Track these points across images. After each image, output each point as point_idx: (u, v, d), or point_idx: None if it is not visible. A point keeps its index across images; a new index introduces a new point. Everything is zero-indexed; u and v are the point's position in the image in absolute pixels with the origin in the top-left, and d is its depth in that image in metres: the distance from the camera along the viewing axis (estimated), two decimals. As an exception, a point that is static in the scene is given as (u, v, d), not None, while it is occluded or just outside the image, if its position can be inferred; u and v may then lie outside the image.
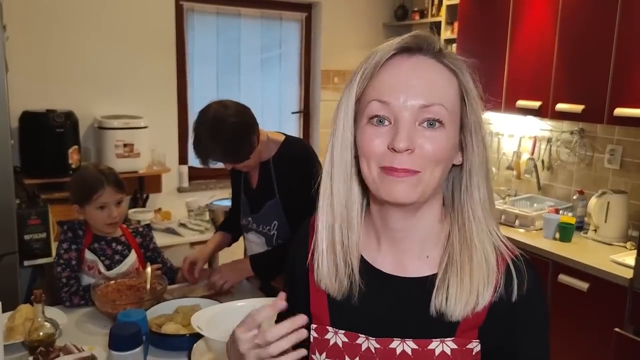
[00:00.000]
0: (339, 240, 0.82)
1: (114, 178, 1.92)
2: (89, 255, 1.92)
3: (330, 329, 0.85)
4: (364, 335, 0.82)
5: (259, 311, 0.81)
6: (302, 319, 0.79)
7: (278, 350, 0.78)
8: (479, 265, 0.77)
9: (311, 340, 0.86)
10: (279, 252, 1.92)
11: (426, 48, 0.77)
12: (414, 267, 0.82)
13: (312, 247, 0.87)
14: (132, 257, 1.98)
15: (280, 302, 0.82)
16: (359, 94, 0.78)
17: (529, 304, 0.79)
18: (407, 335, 0.80)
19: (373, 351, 0.81)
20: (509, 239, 0.83)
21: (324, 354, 0.85)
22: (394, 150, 0.74)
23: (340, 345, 0.83)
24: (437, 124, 0.75)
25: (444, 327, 0.78)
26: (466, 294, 0.76)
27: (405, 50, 0.77)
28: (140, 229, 2.08)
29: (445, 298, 0.77)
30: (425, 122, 0.75)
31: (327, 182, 0.83)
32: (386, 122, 0.76)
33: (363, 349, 0.82)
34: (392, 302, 0.82)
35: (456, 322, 0.77)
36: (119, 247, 1.98)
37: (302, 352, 0.81)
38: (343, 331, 0.84)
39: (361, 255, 0.85)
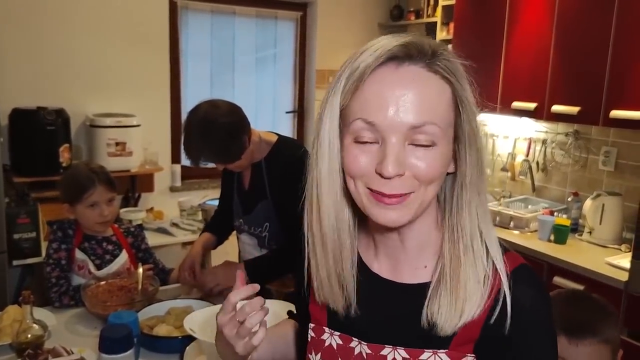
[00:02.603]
0: (331, 252, 0.78)
1: (105, 177, 1.90)
2: (79, 254, 1.89)
3: (326, 329, 0.84)
4: (357, 340, 0.81)
5: (234, 294, 0.85)
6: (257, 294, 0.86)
7: (255, 322, 0.82)
8: (468, 278, 0.73)
9: (309, 339, 0.86)
10: (274, 257, 1.90)
11: (416, 56, 0.70)
12: (411, 274, 0.80)
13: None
14: (123, 257, 1.95)
15: (244, 284, 0.87)
16: (343, 105, 0.72)
17: (529, 321, 0.74)
18: (399, 343, 0.77)
19: (364, 356, 0.80)
20: (506, 242, 0.80)
21: (319, 355, 0.84)
22: (381, 175, 0.69)
23: (335, 347, 0.83)
24: (428, 142, 0.69)
25: (437, 338, 0.74)
26: (454, 307, 0.72)
27: (393, 58, 0.69)
28: (132, 229, 2.06)
29: (437, 309, 0.73)
30: (416, 141, 0.69)
31: (314, 199, 0.77)
32: (372, 141, 0.70)
33: (355, 353, 0.80)
34: (386, 308, 0.80)
35: (450, 335, 0.73)
36: (110, 247, 1.95)
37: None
38: (338, 333, 0.83)
39: (360, 258, 0.83)
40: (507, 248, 0.79)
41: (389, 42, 0.70)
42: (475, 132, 0.72)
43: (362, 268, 0.82)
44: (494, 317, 0.73)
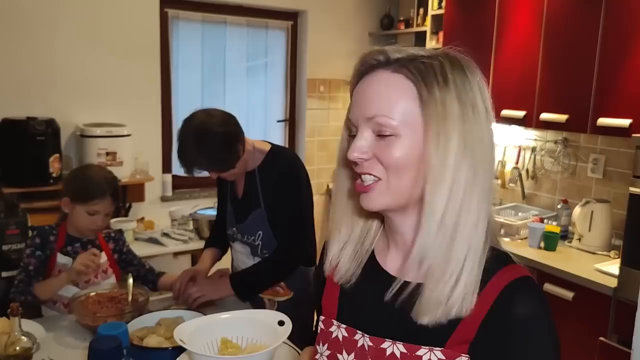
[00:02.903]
0: (353, 240, 0.89)
1: (116, 190, 1.91)
2: (61, 259, 1.87)
3: (334, 322, 0.89)
4: (361, 332, 0.85)
5: None
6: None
7: None
8: (451, 275, 0.75)
9: (318, 331, 0.92)
10: (259, 270, 1.90)
11: (382, 61, 0.80)
12: (415, 272, 0.82)
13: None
14: (102, 258, 1.94)
15: None
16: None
17: (527, 332, 0.76)
18: (398, 337, 0.81)
19: (366, 349, 0.83)
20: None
21: (325, 346, 0.89)
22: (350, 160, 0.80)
23: (340, 339, 0.87)
24: (388, 133, 0.77)
25: (433, 335, 0.77)
26: (443, 305, 0.75)
27: (365, 72, 0.81)
28: (113, 234, 2.06)
29: (426, 307, 0.76)
30: (380, 133, 0.78)
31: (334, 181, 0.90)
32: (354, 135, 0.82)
33: (358, 345, 0.85)
34: (390, 304, 0.83)
35: (447, 333, 0.77)
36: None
37: None
38: (345, 326, 0.87)
39: (373, 255, 0.89)
40: (511, 258, 0.82)
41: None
42: (443, 129, 0.75)
43: (374, 265, 0.88)
44: (491, 322, 0.75)
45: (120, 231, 2.12)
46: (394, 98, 0.77)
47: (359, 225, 0.89)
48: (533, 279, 0.80)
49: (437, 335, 0.77)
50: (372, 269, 0.88)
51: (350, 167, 0.83)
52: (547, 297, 0.80)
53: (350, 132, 0.83)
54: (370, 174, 0.79)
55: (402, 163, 0.77)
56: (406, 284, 0.82)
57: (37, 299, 1.77)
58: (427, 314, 0.76)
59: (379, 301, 0.84)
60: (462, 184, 0.76)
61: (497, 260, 0.79)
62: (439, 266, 0.76)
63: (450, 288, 0.75)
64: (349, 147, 0.80)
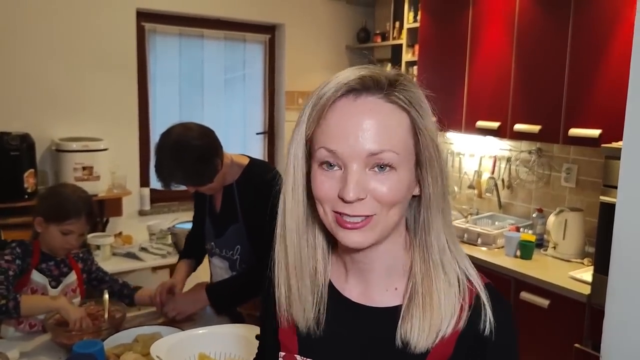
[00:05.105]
0: (293, 269, 0.81)
1: (90, 209, 1.90)
2: (37, 277, 1.84)
3: (298, 357, 0.83)
4: None
5: None
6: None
7: None
8: (441, 295, 0.75)
9: None
10: (236, 282, 1.90)
11: (373, 87, 0.73)
12: (382, 298, 0.81)
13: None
14: (72, 277, 1.93)
15: None
16: (309, 135, 0.76)
17: (498, 338, 0.77)
18: None
19: None
20: (472, 258, 0.82)
21: None
22: (343, 200, 0.72)
23: None
24: (387, 168, 0.73)
25: (412, 358, 0.76)
26: (428, 325, 0.75)
27: (352, 91, 0.73)
28: (81, 255, 2.03)
29: (410, 329, 0.75)
30: (376, 167, 0.73)
31: (280, 221, 0.80)
32: (336, 168, 0.74)
33: None
34: (359, 332, 0.81)
35: (424, 354, 0.75)
36: (65, 269, 1.93)
37: None
38: None
39: (331, 283, 0.84)
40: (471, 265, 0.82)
41: (348, 75, 0.74)
42: (434, 156, 0.75)
43: (333, 294, 0.83)
44: (467, 333, 0.75)
45: (88, 251, 2.11)
46: (397, 131, 0.73)
47: (311, 263, 0.81)
48: (492, 284, 0.81)
49: (414, 357, 0.75)
50: (332, 298, 0.82)
51: (325, 202, 0.75)
52: (508, 301, 0.82)
53: (323, 165, 0.74)
54: (362, 215, 0.73)
55: (400, 197, 0.74)
56: (377, 310, 0.80)
57: (19, 308, 1.65)
58: (421, 340, 0.74)
59: (345, 330, 0.81)
60: (447, 205, 0.78)
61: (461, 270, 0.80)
62: (425, 288, 0.76)
63: (438, 309, 0.75)
64: (321, 182, 0.74)
